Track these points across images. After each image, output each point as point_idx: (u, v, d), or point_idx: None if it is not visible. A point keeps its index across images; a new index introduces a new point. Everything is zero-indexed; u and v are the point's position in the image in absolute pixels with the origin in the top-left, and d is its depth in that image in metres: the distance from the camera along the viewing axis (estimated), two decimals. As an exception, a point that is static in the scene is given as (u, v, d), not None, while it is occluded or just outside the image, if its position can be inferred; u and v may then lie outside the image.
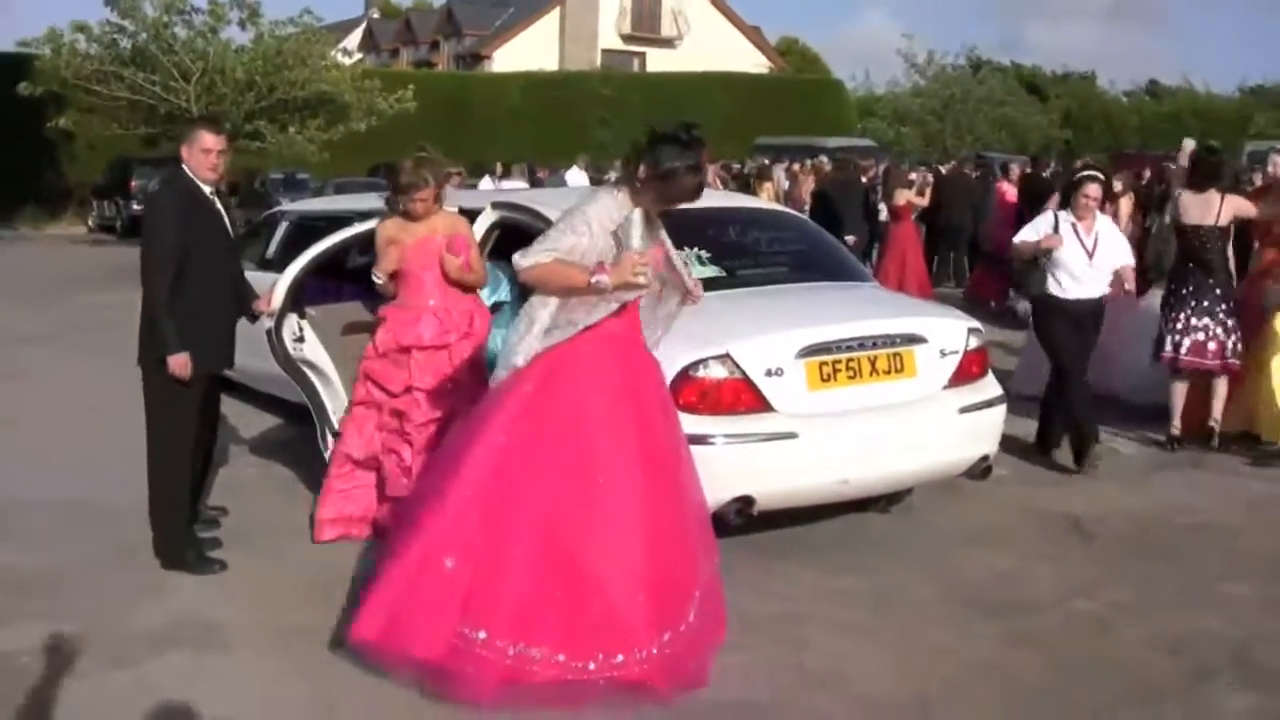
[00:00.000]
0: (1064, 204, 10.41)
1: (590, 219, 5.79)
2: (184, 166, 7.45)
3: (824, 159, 25.90)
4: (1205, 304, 10.11)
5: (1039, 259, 9.89)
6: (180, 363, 7.19)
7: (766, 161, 28.02)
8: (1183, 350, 10.14)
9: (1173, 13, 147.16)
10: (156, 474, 7.50)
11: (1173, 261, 10.78)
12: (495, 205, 8.75)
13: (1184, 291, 10.24)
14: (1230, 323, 10.12)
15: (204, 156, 7.39)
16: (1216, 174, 10.68)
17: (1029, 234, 10.07)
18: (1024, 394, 10.73)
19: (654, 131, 5.88)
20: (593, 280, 5.60)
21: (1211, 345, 10.06)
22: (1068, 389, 9.87)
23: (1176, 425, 10.38)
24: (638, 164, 5.85)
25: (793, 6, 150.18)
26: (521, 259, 5.71)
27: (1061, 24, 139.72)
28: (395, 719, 5.67)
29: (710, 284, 8.01)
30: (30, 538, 8.05)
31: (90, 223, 38.59)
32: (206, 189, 7.46)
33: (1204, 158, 11.28)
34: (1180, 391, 10.35)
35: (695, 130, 5.90)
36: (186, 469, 7.51)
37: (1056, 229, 9.82)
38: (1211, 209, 10.25)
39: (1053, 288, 9.83)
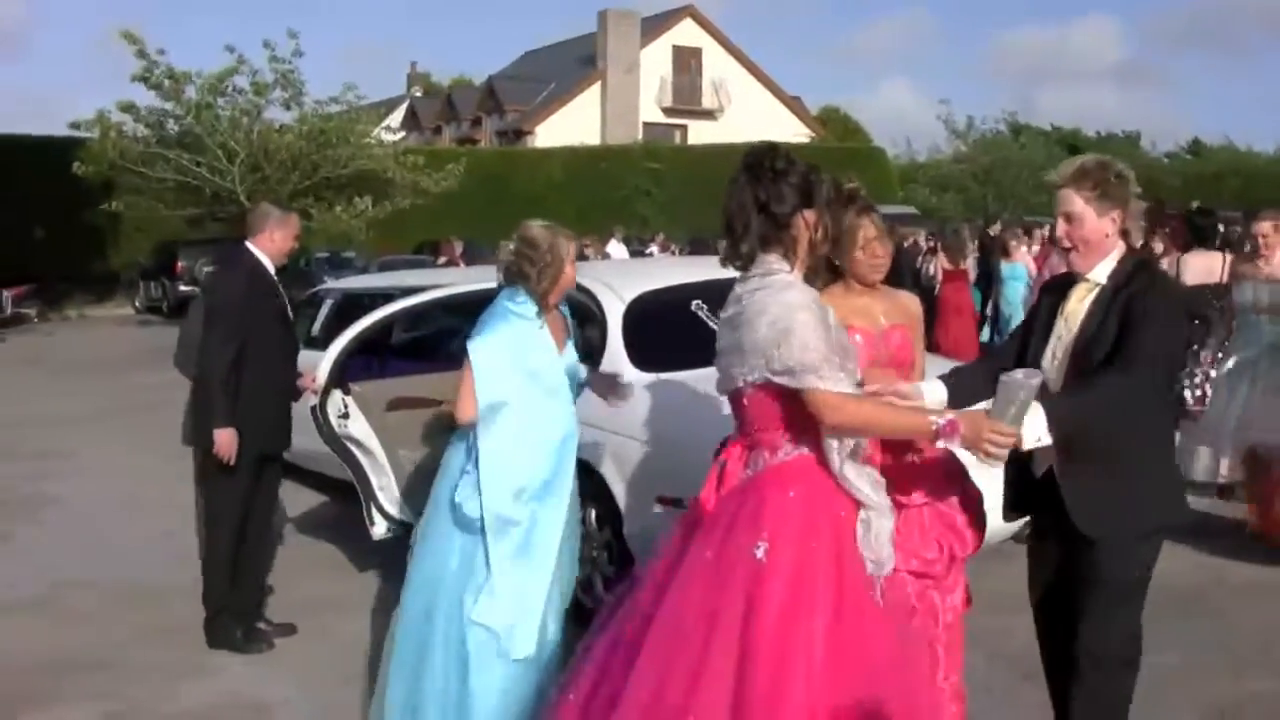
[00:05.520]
0: None
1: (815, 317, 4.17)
2: (250, 246, 7.50)
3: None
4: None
5: None
6: (226, 438, 7.21)
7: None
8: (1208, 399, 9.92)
9: (1204, 74, 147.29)
10: (208, 552, 7.52)
11: None
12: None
13: (1193, 348, 10.14)
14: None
15: (291, 240, 7.54)
16: (1212, 235, 10.95)
17: None
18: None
19: (763, 160, 4.27)
20: (935, 427, 4.14)
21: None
22: None
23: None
24: (793, 213, 4.26)
25: (832, 76, 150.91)
26: (835, 413, 4.11)
27: (1090, 88, 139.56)
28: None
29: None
30: (79, 617, 8.09)
31: (137, 304, 38.94)
32: (271, 270, 7.52)
33: (1198, 220, 11.30)
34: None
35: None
36: (234, 547, 7.47)
37: None
38: (1215, 269, 10.35)
39: None
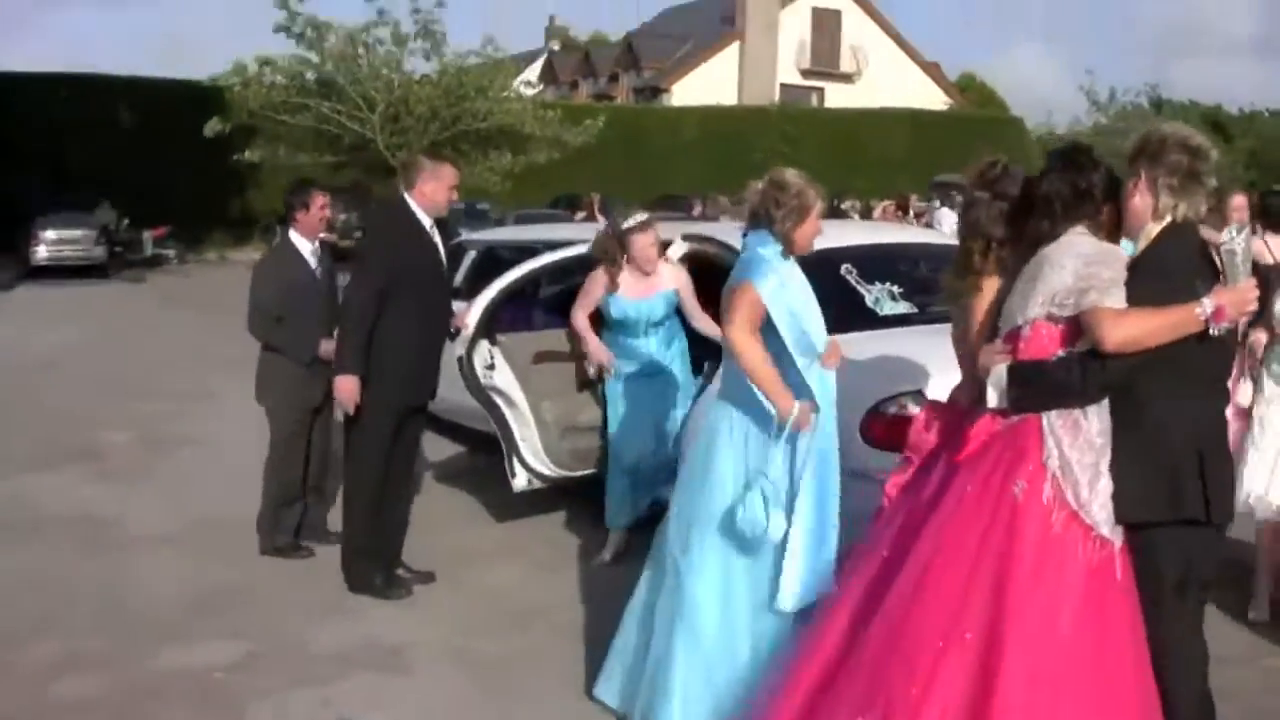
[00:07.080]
0: None
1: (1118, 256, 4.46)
2: (405, 197, 7.43)
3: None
4: None
5: None
6: (348, 385, 7.21)
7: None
8: None
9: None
10: (349, 498, 7.59)
11: None
12: (686, 237, 8.70)
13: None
14: None
15: (445, 191, 7.43)
16: None
17: None
18: None
19: (1078, 156, 4.68)
20: (1203, 314, 4.23)
21: None
22: None
23: None
24: (1102, 202, 4.53)
25: (969, 43, 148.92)
26: (1116, 327, 4.21)
27: (1229, 61, 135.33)
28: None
29: (902, 320, 7.93)
30: (224, 556, 8.21)
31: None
32: (427, 222, 7.44)
33: (1272, 200, 10.35)
34: None
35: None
36: (377, 494, 7.48)
37: None
38: None
39: None
